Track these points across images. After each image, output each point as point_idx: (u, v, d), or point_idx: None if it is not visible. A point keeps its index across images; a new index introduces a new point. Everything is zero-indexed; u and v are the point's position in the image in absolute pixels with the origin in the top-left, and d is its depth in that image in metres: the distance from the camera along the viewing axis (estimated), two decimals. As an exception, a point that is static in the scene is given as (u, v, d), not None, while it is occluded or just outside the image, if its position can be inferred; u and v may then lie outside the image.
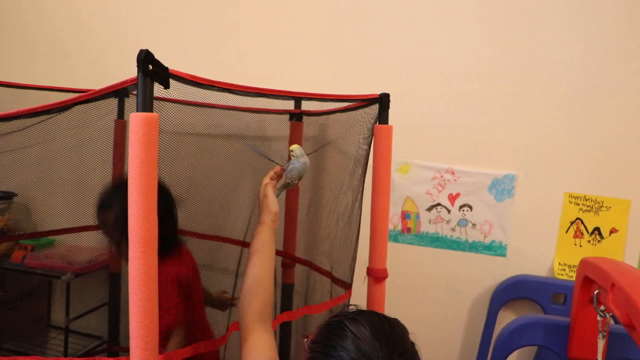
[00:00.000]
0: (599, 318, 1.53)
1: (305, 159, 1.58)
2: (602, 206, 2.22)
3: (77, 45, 2.70)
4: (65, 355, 2.38)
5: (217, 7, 2.49)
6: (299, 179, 1.59)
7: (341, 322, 1.05)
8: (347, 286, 1.81)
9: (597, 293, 1.55)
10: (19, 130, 1.68)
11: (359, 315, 1.07)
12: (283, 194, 2.05)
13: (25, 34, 2.78)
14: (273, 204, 1.50)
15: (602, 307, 1.53)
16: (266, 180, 1.54)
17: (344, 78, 2.37)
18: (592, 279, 1.57)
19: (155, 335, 1.01)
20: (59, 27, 2.72)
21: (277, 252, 2.06)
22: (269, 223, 1.47)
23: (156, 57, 1.01)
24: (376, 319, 1.06)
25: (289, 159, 1.59)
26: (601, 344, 1.53)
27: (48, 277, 2.49)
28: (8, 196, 2.42)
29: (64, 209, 2.33)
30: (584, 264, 1.63)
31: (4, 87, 2.20)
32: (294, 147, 1.57)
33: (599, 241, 2.24)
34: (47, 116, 1.37)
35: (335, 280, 1.87)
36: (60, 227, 2.27)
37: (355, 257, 1.84)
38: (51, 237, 2.49)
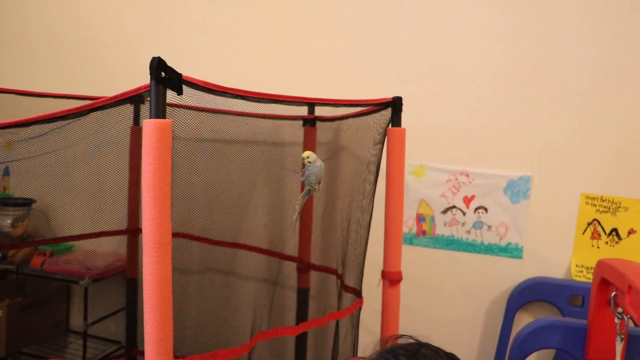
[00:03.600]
0: (616, 320, 1.51)
1: (320, 163, 1.58)
2: (620, 207, 2.19)
3: (79, 52, 2.75)
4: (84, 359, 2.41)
5: (224, 13, 2.52)
6: (319, 183, 1.59)
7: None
8: (358, 294, 1.81)
9: (614, 295, 1.53)
10: (37, 137, 1.71)
11: (417, 354, 0.97)
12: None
13: (26, 41, 2.84)
14: None
15: (619, 310, 1.51)
16: None
17: (357, 81, 2.37)
18: (609, 281, 1.55)
19: (170, 340, 1.02)
20: (61, 34, 2.78)
21: (292, 258, 2.08)
22: None
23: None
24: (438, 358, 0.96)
25: (303, 166, 1.59)
26: (619, 346, 1.51)
27: (66, 282, 2.53)
28: (27, 203, 2.46)
29: (82, 215, 2.36)
30: (601, 265, 1.62)
31: (6, 93, 2.23)
32: (307, 153, 1.57)
33: (616, 242, 2.21)
34: (64, 122, 1.39)
35: (346, 288, 1.87)
36: (78, 232, 2.29)
37: (363, 265, 1.84)
38: (69, 243, 2.52)
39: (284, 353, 2.22)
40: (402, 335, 1.06)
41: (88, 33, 2.73)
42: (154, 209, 0.97)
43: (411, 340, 1.02)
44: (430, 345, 1.00)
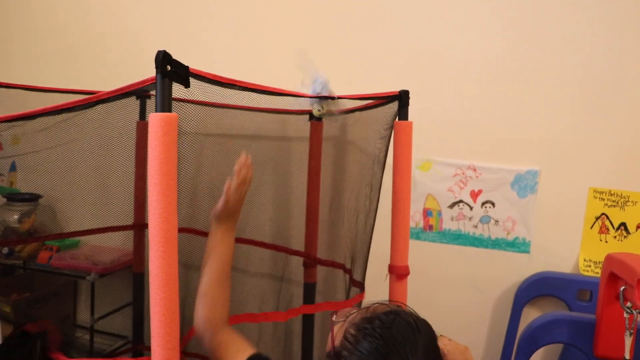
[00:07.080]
0: (625, 315, 1.51)
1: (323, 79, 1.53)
2: (628, 201, 2.18)
3: (86, 48, 2.76)
4: (91, 354, 2.41)
5: (229, 8, 2.51)
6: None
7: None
8: (362, 287, 1.81)
9: (623, 289, 1.52)
10: (43, 129, 1.70)
11: (392, 326, 0.98)
12: None
13: (34, 36, 2.85)
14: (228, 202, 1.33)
15: (628, 304, 1.50)
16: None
17: (364, 76, 2.36)
18: (617, 275, 1.54)
19: (176, 335, 1.01)
20: (68, 30, 2.79)
21: (299, 253, 2.07)
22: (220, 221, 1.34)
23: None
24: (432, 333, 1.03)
25: None
26: (628, 341, 1.50)
27: (73, 278, 2.53)
28: (34, 198, 2.46)
29: (89, 210, 2.36)
30: (610, 259, 1.61)
31: (14, 89, 2.23)
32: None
33: (625, 237, 2.20)
34: (69, 114, 1.38)
35: (354, 283, 1.87)
36: (85, 227, 2.29)
37: (367, 258, 1.84)
38: (76, 238, 2.52)
39: (291, 350, 2.22)
40: (381, 302, 1.06)
41: (94, 29, 2.73)
42: (160, 203, 0.97)
43: (388, 309, 1.03)
44: (408, 314, 1.02)
